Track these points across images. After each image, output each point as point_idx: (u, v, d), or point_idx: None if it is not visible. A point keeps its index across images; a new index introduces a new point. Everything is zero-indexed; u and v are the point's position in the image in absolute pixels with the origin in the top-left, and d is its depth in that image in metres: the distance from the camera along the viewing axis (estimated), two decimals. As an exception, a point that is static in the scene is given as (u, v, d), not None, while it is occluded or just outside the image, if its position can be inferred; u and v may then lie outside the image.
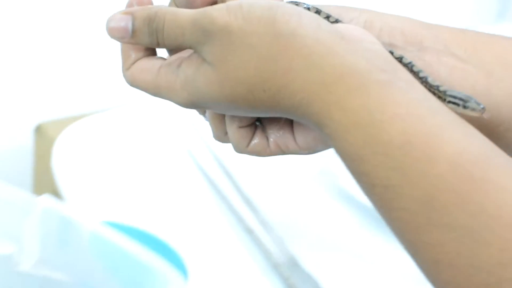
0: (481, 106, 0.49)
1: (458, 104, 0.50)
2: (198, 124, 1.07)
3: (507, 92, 0.52)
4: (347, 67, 0.44)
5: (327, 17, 0.50)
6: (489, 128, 0.51)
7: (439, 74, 0.51)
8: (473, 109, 0.50)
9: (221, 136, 0.52)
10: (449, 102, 0.49)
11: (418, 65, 0.50)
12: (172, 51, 0.51)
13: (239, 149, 0.51)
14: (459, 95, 0.50)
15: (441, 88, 0.49)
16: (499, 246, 0.39)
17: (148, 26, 0.49)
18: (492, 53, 0.53)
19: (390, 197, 0.42)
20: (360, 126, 0.43)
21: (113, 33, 0.50)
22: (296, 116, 0.46)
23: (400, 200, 0.42)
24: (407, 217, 0.42)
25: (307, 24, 0.46)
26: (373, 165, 0.42)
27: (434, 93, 0.49)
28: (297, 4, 0.50)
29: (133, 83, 0.51)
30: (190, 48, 0.48)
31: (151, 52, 0.52)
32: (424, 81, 0.50)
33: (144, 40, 0.49)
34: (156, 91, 0.50)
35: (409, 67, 0.50)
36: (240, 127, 0.51)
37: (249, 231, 0.97)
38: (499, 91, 0.51)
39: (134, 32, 0.49)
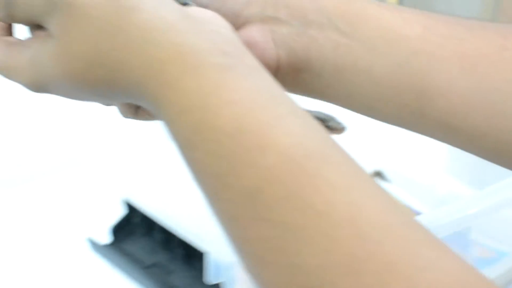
0: (341, 125, 0.50)
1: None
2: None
3: (388, 69, 0.51)
4: (187, 46, 0.41)
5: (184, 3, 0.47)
6: (368, 103, 0.51)
7: (324, 50, 0.51)
8: (335, 129, 0.50)
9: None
10: None
11: None
12: (31, 30, 0.48)
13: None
14: (319, 115, 0.50)
15: None
16: (324, 247, 0.36)
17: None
18: (375, 27, 0.51)
19: (218, 187, 0.39)
20: (194, 109, 0.40)
21: None
22: (135, 97, 0.43)
23: (227, 191, 0.39)
24: (233, 210, 0.39)
25: (151, 0, 0.43)
26: (204, 152, 0.40)
27: None
28: None
29: None
30: (40, 22, 0.46)
31: (7, 33, 0.50)
32: None
33: None
34: (6, 72, 0.48)
35: None
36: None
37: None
38: (380, 68, 0.51)
39: None
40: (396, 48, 0.51)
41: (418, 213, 1.08)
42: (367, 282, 0.35)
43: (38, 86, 0.47)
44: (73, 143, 1.16)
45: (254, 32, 0.51)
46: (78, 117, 1.13)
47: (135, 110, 0.51)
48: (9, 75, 0.48)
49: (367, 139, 1.19)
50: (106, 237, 0.98)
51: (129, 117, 0.51)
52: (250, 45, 0.49)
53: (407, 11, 0.52)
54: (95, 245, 0.97)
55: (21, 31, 0.50)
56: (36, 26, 0.47)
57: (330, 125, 0.49)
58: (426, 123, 0.51)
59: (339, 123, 0.49)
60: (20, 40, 0.49)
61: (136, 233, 0.99)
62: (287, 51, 0.51)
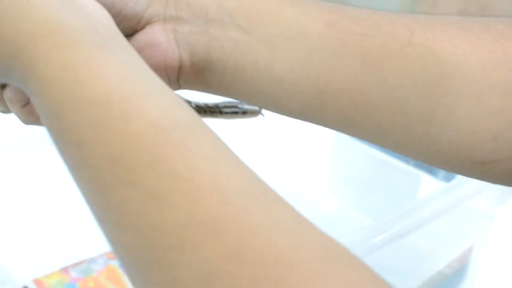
0: (256, 108, 0.50)
1: (236, 112, 0.52)
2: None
3: (288, 66, 0.50)
4: (61, 23, 0.41)
5: None
6: (272, 100, 0.51)
7: (225, 49, 0.50)
8: (251, 112, 0.51)
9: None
10: (226, 113, 0.50)
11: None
12: None
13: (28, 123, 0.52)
14: (231, 104, 0.51)
15: (210, 104, 0.49)
16: (186, 209, 0.36)
17: None
18: (275, 24, 0.51)
19: (81, 155, 0.39)
20: (63, 81, 0.40)
21: None
22: (6, 72, 0.43)
23: (90, 158, 0.39)
24: (95, 175, 0.38)
25: None
26: (71, 121, 0.39)
27: (206, 112, 0.50)
28: None
29: None
30: None
31: None
32: (191, 104, 0.51)
33: None
34: None
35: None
36: (23, 106, 0.50)
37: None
38: (280, 66, 0.50)
39: None
40: (296, 46, 0.50)
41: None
42: (229, 242, 0.35)
43: None
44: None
45: (156, 32, 0.51)
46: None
47: None
48: None
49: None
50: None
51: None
52: (153, 46, 0.50)
53: (311, 6, 0.51)
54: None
55: None
56: None
57: (245, 109, 0.50)
58: (329, 119, 0.51)
59: (253, 106, 0.50)
60: None
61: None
62: (189, 51, 0.51)
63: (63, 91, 0.40)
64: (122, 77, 0.40)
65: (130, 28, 0.51)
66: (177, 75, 0.51)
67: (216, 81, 0.51)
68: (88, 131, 0.39)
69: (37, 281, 0.99)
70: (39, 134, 0.97)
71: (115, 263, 1.04)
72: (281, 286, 0.33)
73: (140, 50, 0.48)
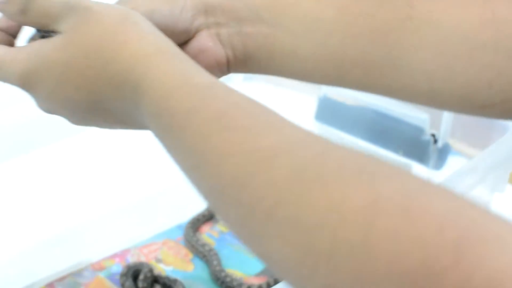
0: None
1: None
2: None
3: (309, 50, 0.61)
4: (157, 47, 0.53)
5: None
6: (301, 75, 0.63)
7: (257, 42, 0.61)
8: None
9: None
10: None
11: None
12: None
13: None
14: None
15: None
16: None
17: (23, 1, 0.56)
18: (295, 16, 0.61)
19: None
20: (175, 85, 0.50)
21: None
22: (120, 87, 0.52)
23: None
24: (229, 173, 0.45)
25: (147, 22, 0.56)
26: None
27: None
28: None
29: None
30: (51, 23, 0.55)
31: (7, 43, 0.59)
32: None
33: (14, 8, 0.56)
34: (1, 65, 0.56)
35: None
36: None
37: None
38: (303, 50, 0.61)
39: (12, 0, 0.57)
40: (314, 32, 0.61)
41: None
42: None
43: (28, 77, 0.55)
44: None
45: (204, 39, 0.62)
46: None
47: None
48: (1, 69, 0.56)
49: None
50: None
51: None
52: (204, 51, 0.62)
53: None
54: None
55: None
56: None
57: None
58: (346, 85, 0.63)
59: None
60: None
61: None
62: (232, 49, 0.63)
63: (182, 94, 0.49)
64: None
65: (183, 40, 0.62)
66: (226, 68, 0.64)
67: (255, 66, 0.63)
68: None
69: (22, 300, 0.95)
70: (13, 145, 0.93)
71: (102, 275, 1.00)
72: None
73: (194, 56, 0.58)
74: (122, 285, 0.97)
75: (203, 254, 1.04)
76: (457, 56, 0.59)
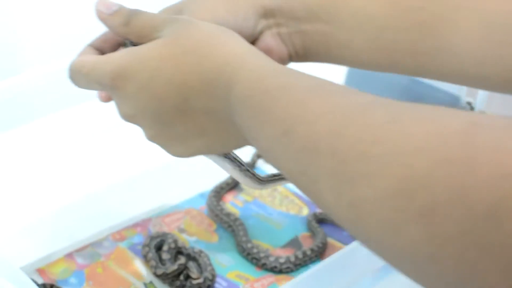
0: None
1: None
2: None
3: (363, 44, 0.66)
4: (243, 52, 0.57)
5: None
6: (356, 65, 0.68)
7: (315, 39, 0.67)
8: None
9: None
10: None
11: None
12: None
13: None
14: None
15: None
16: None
17: (127, 14, 0.61)
18: (348, 12, 0.65)
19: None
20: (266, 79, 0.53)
21: (100, 5, 0.62)
22: (211, 77, 0.55)
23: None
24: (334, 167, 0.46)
25: (237, 37, 0.60)
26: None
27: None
28: None
29: (74, 64, 0.61)
30: (152, 34, 0.59)
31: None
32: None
33: (118, 20, 0.61)
34: (94, 66, 0.59)
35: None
36: None
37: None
38: (357, 44, 0.66)
39: (115, 12, 0.61)
40: (366, 27, 0.65)
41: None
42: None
43: (120, 72, 0.57)
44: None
45: (268, 39, 0.68)
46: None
47: None
48: (94, 70, 0.59)
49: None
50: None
51: None
52: (268, 51, 0.67)
53: None
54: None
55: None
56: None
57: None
58: (400, 72, 0.68)
59: None
60: None
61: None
62: (292, 46, 0.68)
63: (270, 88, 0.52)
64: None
65: (251, 41, 0.67)
66: (288, 62, 0.70)
67: (314, 58, 0.69)
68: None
69: (41, 271, 0.90)
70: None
71: (123, 245, 0.95)
72: None
73: None
74: (145, 256, 0.93)
75: (228, 224, 1.00)
76: (504, 42, 0.62)
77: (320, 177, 0.46)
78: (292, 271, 0.94)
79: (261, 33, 0.68)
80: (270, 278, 0.93)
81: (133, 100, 0.58)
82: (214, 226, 1.01)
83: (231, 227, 0.99)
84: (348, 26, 0.66)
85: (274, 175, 0.71)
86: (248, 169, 0.69)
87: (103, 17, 0.62)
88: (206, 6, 0.65)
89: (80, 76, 0.60)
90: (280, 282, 0.93)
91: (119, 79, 0.57)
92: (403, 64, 0.66)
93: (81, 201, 0.99)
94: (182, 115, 0.57)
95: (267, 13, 0.67)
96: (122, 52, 0.59)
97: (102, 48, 0.64)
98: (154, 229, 0.98)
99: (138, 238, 0.96)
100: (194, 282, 0.89)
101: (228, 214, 1.00)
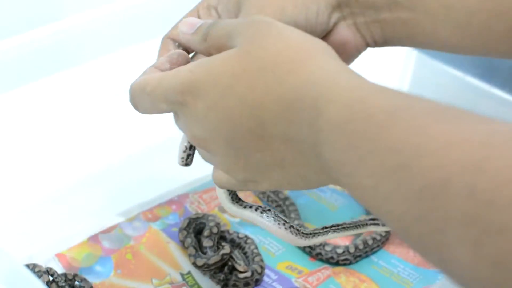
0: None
1: (378, 224, 0.64)
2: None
3: (451, 31, 0.60)
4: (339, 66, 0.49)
5: None
6: (441, 50, 0.64)
7: (396, 27, 0.61)
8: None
9: None
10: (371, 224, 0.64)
11: None
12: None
13: None
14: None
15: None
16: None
17: (206, 27, 0.54)
18: None
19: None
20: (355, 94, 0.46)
21: (183, 26, 0.56)
22: (293, 97, 0.47)
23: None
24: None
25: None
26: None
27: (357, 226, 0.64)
28: None
29: (137, 83, 0.54)
30: (228, 42, 0.51)
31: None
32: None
33: (198, 37, 0.55)
34: (160, 82, 0.52)
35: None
36: None
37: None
38: (443, 31, 0.60)
39: (197, 29, 0.55)
40: (456, 12, 0.59)
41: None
42: None
43: (189, 87, 0.50)
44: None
45: (343, 31, 0.61)
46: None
47: None
48: (160, 86, 0.52)
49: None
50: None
51: None
52: (345, 42, 0.62)
53: None
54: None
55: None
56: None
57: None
58: (494, 57, 0.63)
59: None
60: None
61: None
62: (370, 35, 0.62)
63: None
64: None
65: (322, 35, 0.61)
66: (365, 50, 0.64)
67: (395, 44, 0.63)
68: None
69: (61, 257, 0.77)
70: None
71: (156, 226, 0.81)
72: None
73: (337, 49, 0.52)
74: (182, 242, 0.79)
75: (277, 203, 0.86)
76: None
77: (449, 225, 0.39)
78: (351, 263, 0.81)
79: (335, 24, 0.61)
80: (326, 270, 0.80)
81: (203, 120, 0.51)
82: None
83: (280, 207, 0.86)
84: (434, 13, 0.60)
85: (324, 228, 0.62)
86: (292, 225, 0.59)
87: (187, 39, 0.56)
88: (270, 0, 0.58)
89: (143, 96, 0.53)
90: (338, 276, 0.80)
91: (189, 94, 0.50)
92: (498, 49, 0.61)
93: (105, 172, 0.85)
94: (259, 140, 0.50)
95: (340, 4, 0.60)
96: (192, 65, 0.52)
97: (167, 70, 0.56)
98: (191, 208, 0.84)
99: (174, 218, 0.83)
100: (241, 276, 0.76)
101: (277, 192, 0.87)
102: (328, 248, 0.81)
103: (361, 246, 0.81)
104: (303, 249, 0.82)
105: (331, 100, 0.46)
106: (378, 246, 0.83)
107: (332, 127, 0.45)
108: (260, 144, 0.50)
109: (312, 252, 0.81)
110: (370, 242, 0.82)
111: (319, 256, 0.81)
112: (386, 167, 0.42)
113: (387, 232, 0.84)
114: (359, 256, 0.82)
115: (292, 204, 0.86)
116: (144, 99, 0.53)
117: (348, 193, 0.60)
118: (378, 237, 0.83)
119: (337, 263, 0.81)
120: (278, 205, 0.86)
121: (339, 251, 0.81)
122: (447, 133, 0.40)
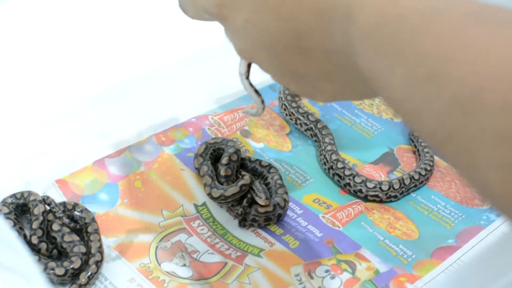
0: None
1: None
2: None
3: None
4: None
5: None
6: None
7: None
8: None
9: None
10: None
11: None
12: None
13: None
14: None
15: None
16: None
17: None
18: None
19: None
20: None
21: None
22: (325, 4, 0.45)
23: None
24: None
25: None
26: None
27: None
28: None
29: None
30: None
31: None
32: None
33: None
34: None
35: None
36: None
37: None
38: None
39: None
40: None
41: None
42: None
43: (225, 2, 0.51)
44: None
45: None
46: None
47: None
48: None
49: None
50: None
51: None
52: None
53: None
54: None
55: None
56: None
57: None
58: None
59: None
60: None
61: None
62: None
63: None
64: None
65: None
66: None
67: None
68: None
69: (62, 183, 0.69)
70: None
71: (169, 151, 0.73)
72: None
73: None
74: (197, 169, 0.71)
75: (307, 127, 0.77)
76: None
77: (479, 143, 0.36)
78: (381, 201, 0.73)
79: None
80: (358, 206, 0.72)
81: (242, 33, 0.51)
82: (288, 129, 0.78)
83: (311, 130, 0.77)
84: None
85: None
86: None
87: None
88: None
89: (189, 4, 0.55)
90: (371, 213, 0.71)
91: (224, 7, 0.51)
92: None
93: (115, 89, 0.77)
94: (300, 54, 0.48)
95: None
96: None
97: None
98: (210, 131, 0.76)
99: (190, 142, 0.75)
100: (261, 210, 0.68)
101: (306, 114, 0.78)
102: (357, 180, 0.72)
103: (396, 186, 0.72)
104: (331, 175, 0.73)
105: (363, 4, 0.43)
106: (421, 182, 0.74)
107: (363, 34, 0.43)
108: (302, 57, 0.49)
109: (341, 182, 0.72)
110: (407, 181, 0.73)
111: (347, 187, 0.72)
112: (416, 78, 0.40)
113: (432, 167, 0.75)
114: (395, 196, 0.73)
115: (325, 127, 0.77)
116: (189, 6, 0.56)
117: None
118: (423, 172, 0.74)
119: (365, 198, 0.72)
120: (309, 128, 0.77)
121: (370, 185, 0.72)
122: (489, 38, 0.37)
